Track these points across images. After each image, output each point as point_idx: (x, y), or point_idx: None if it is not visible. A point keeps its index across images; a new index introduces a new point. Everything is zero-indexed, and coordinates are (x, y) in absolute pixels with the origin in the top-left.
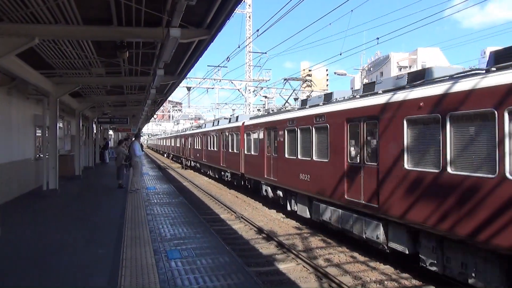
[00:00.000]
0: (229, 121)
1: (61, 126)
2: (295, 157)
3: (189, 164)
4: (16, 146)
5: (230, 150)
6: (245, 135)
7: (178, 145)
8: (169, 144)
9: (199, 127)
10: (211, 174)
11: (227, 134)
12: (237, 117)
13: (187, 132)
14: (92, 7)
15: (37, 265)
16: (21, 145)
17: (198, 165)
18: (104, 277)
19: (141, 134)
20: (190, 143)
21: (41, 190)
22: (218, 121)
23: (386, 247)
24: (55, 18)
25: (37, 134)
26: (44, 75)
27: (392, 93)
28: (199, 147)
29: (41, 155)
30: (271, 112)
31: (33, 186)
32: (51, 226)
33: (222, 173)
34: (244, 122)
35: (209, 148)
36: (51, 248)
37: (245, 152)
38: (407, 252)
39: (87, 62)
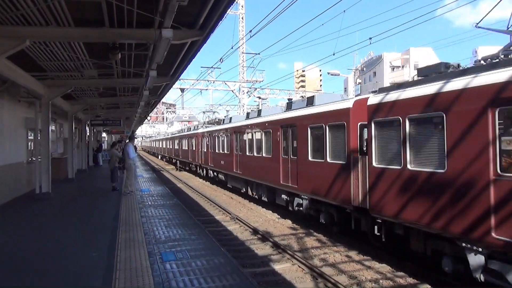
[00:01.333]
0: (288, 107)
1: (54, 129)
2: None
3: (204, 174)
4: (8, 149)
5: (311, 159)
6: (373, 128)
7: (185, 147)
8: (170, 147)
9: (218, 122)
10: (251, 193)
11: (300, 129)
12: (310, 98)
13: (201, 131)
14: (84, 8)
15: (30, 269)
16: (13, 148)
17: (222, 176)
18: (98, 280)
19: (135, 136)
20: (207, 145)
21: (34, 193)
22: (259, 112)
23: None
24: (46, 20)
25: (29, 137)
26: (36, 77)
27: None
28: (226, 151)
29: (34, 159)
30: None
31: (26, 190)
32: (44, 229)
33: (285, 197)
34: (367, 99)
35: (248, 154)
36: (44, 251)
37: (374, 163)
38: None
39: (79, 64)
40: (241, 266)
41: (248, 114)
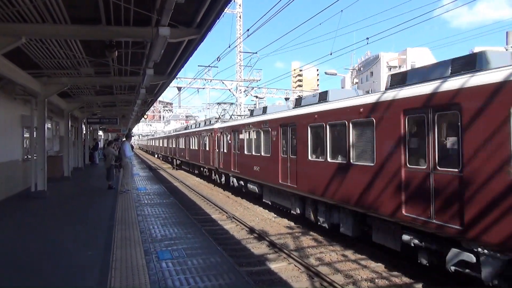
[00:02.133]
0: (394, 82)
1: (50, 127)
2: None
3: (221, 181)
4: (4, 147)
5: None
6: None
7: (194, 147)
8: (173, 146)
9: (229, 117)
10: (313, 218)
11: (472, 115)
12: (470, 56)
13: (218, 126)
14: (80, 6)
15: (26, 267)
16: (8, 146)
17: (254, 187)
18: (94, 279)
19: (131, 134)
20: (229, 145)
21: (30, 191)
22: (321, 95)
23: None
24: (42, 17)
25: (25, 135)
26: (32, 75)
27: None
28: (263, 153)
29: (29, 156)
30: None
31: (21, 188)
32: (39, 228)
33: (408, 238)
34: None
35: (311, 158)
36: (40, 249)
37: None
38: None
39: (76, 62)
40: (237, 265)
41: (299, 100)
